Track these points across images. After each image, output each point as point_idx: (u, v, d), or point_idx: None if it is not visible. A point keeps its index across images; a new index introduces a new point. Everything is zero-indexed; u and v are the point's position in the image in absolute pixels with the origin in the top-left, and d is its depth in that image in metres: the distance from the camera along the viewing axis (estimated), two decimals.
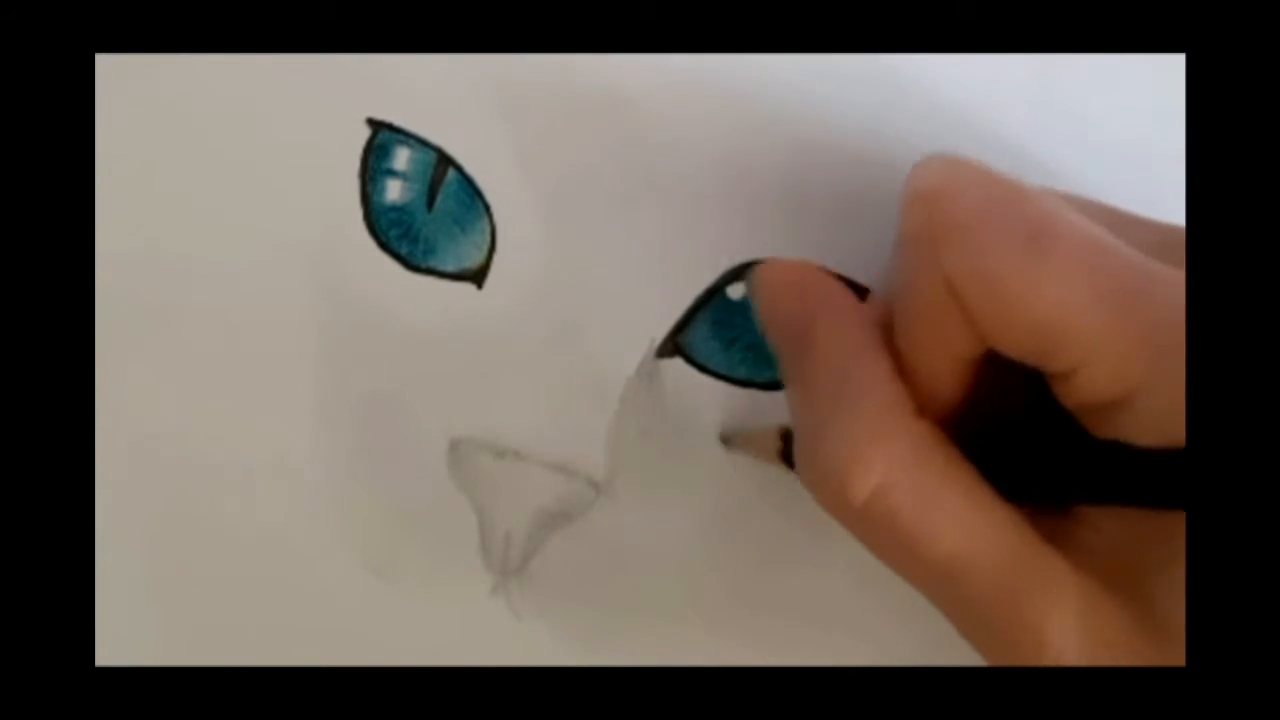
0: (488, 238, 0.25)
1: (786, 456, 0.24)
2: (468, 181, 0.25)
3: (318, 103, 0.25)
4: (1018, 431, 0.21)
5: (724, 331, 0.25)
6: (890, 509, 0.19)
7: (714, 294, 0.25)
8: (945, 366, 0.20)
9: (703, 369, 0.25)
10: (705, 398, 0.25)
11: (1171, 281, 0.18)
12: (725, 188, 0.24)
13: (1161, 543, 0.18)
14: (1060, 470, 0.20)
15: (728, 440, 0.25)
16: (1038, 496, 0.20)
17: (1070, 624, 0.19)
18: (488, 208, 0.25)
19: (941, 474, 0.19)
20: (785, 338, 0.21)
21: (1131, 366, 0.18)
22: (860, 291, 0.24)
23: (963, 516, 0.19)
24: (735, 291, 0.24)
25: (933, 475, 0.19)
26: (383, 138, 0.25)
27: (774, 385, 0.25)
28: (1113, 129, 0.24)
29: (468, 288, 0.25)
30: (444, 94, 0.25)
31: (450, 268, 0.25)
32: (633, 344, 0.25)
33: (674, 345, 0.25)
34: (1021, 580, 0.19)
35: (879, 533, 0.20)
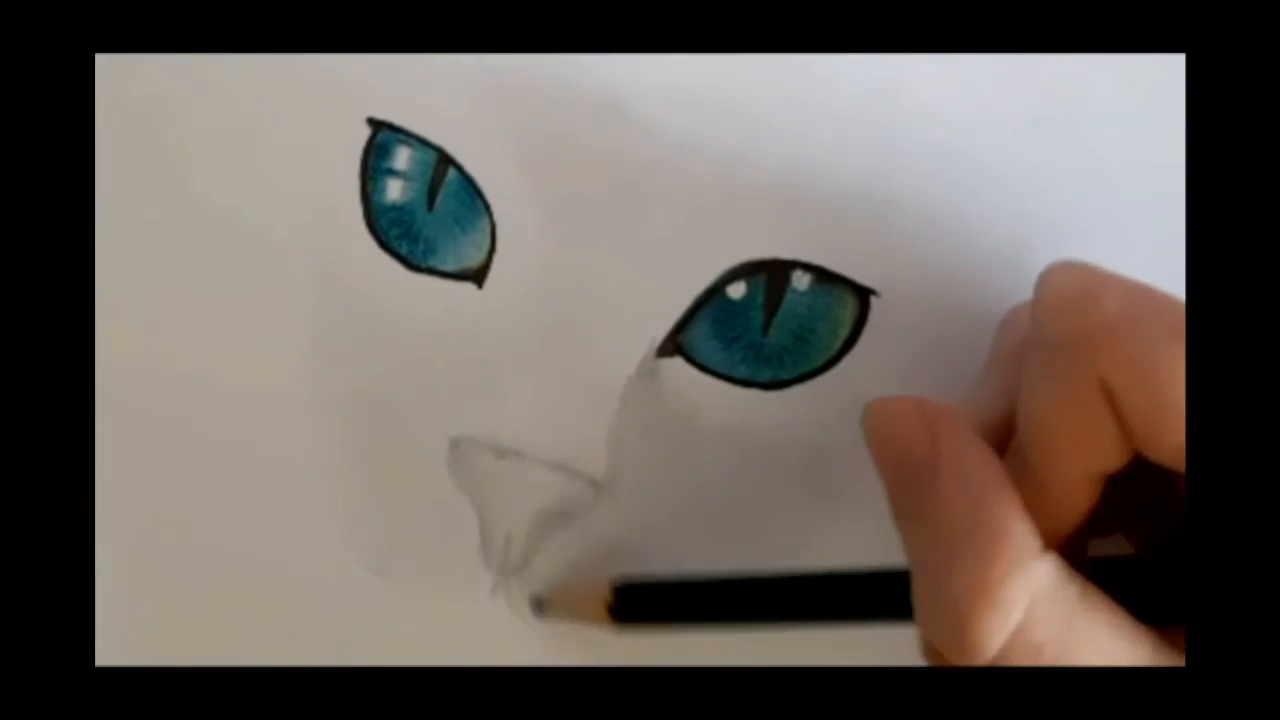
0: (488, 238, 0.25)
1: (617, 612, 0.24)
2: (468, 181, 0.25)
3: (318, 103, 0.25)
4: (1143, 552, 0.21)
5: (724, 331, 0.25)
6: (1033, 647, 0.18)
7: (714, 294, 0.25)
8: (1082, 481, 0.19)
9: (703, 369, 0.25)
10: (705, 398, 0.25)
11: None
12: (725, 188, 0.24)
13: None
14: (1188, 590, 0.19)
15: (541, 605, 0.25)
16: (1163, 618, 0.19)
17: None
18: (488, 207, 0.25)
19: (1079, 605, 0.19)
20: (905, 473, 0.20)
21: None
22: (867, 293, 0.24)
23: (1108, 647, 0.18)
24: (735, 291, 0.24)
25: (1071, 607, 0.18)
26: (383, 137, 0.25)
27: (774, 384, 0.25)
28: (1113, 129, 0.24)
29: (468, 287, 0.25)
30: (444, 94, 0.25)
31: (450, 267, 0.25)
32: (633, 344, 0.25)
33: (674, 345, 0.25)
34: None
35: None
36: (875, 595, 0.22)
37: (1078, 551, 0.20)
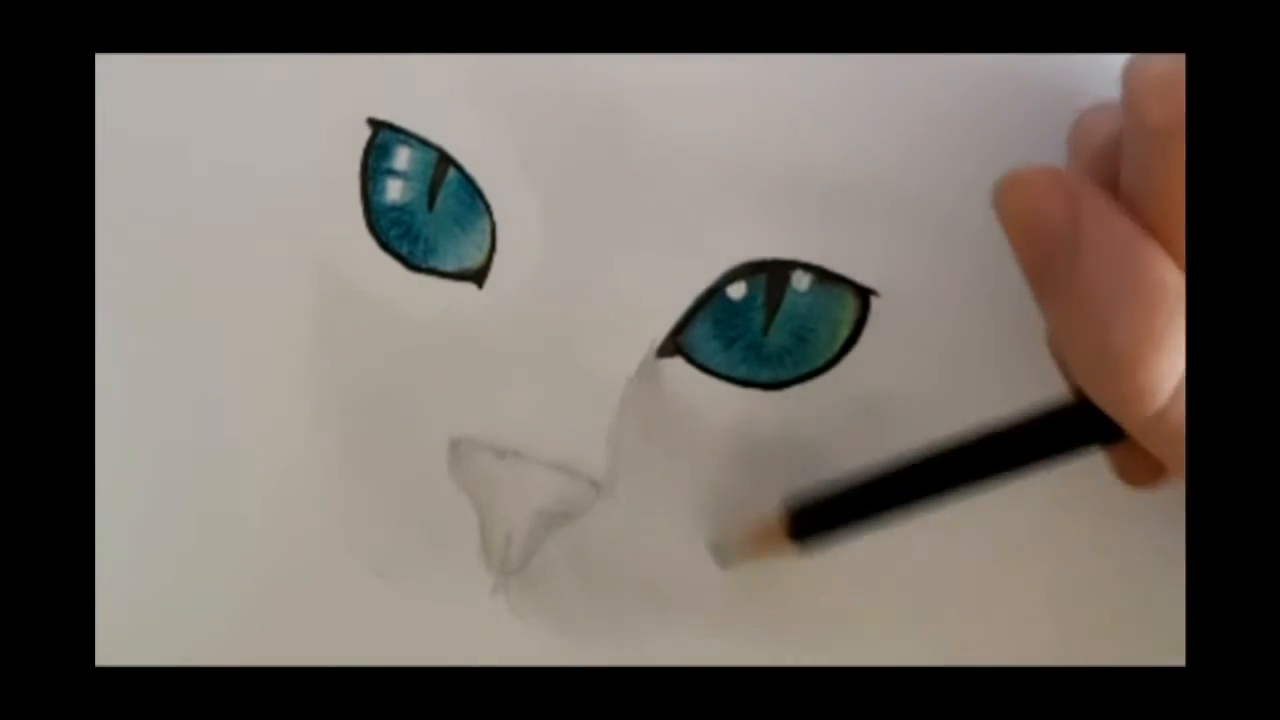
0: (488, 238, 0.25)
1: (797, 533, 0.23)
2: (468, 181, 0.25)
3: (318, 103, 0.25)
4: None
5: (724, 331, 0.25)
6: None
7: (714, 294, 0.25)
8: None
9: (703, 369, 0.25)
10: (705, 398, 0.25)
11: None
12: (725, 188, 0.24)
13: None
14: None
15: (721, 553, 0.25)
16: None
17: None
18: (488, 208, 0.25)
19: None
20: (1050, 242, 0.20)
21: None
22: (867, 293, 0.24)
23: None
24: (735, 291, 0.24)
25: None
26: (383, 137, 0.25)
27: (774, 385, 0.25)
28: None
29: (468, 288, 0.25)
30: (444, 94, 0.25)
31: (450, 268, 0.25)
32: (633, 344, 0.25)
33: (674, 345, 0.25)
34: None
35: (1180, 427, 0.19)
36: (1038, 437, 0.22)
37: None
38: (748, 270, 0.24)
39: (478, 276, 0.25)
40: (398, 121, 0.25)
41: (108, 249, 0.25)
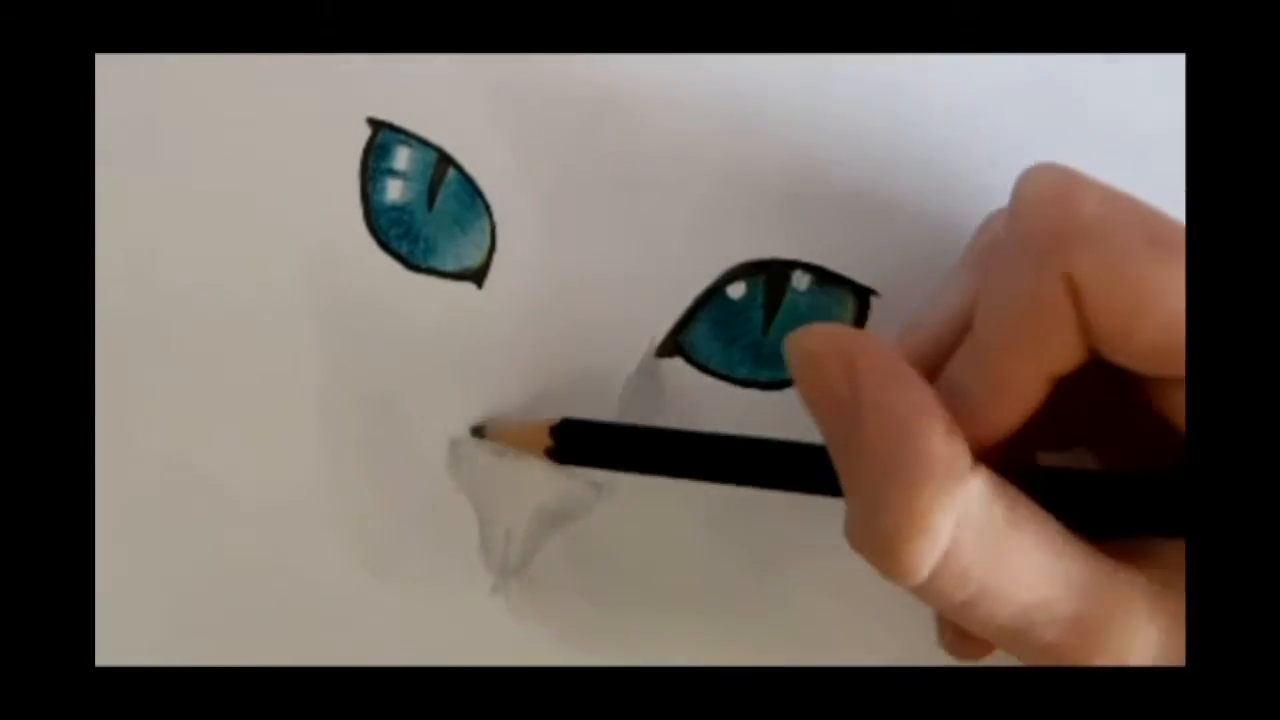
0: (488, 238, 0.25)
1: (555, 454, 0.24)
2: (468, 181, 0.25)
3: (318, 103, 0.25)
4: (1110, 467, 0.21)
5: (724, 331, 0.25)
6: (961, 570, 0.19)
7: (714, 294, 0.25)
8: (1035, 380, 0.19)
9: (703, 369, 0.25)
10: (705, 398, 0.25)
11: None
12: (725, 188, 0.24)
13: None
14: (1131, 500, 0.20)
15: (481, 431, 0.25)
16: (1103, 528, 0.20)
17: (1152, 654, 0.19)
18: (488, 207, 0.25)
19: (1007, 522, 0.19)
20: (830, 410, 0.20)
21: None
22: (867, 293, 0.24)
23: (1034, 563, 0.19)
24: (735, 291, 0.24)
25: (999, 526, 0.19)
26: (383, 137, 0.25)
27: (774, 385, 0.25)
28: (1113, 129, 0.24)
29: (468, 288, 0.25)
30: (444, 94, 0.25)
31: (450, 267, 0.25)
32: (633, 344, 0.25)
33: (674, 345, 0.25)
34: (1099, 618, 0.19)
35: (949, 596, 0.19)
36: (807, 468, 0.21)
37: (1025, 456, 0.20)
38: (748, 270, 0.24)
39: (478, 276, 0.25)
40: (398, 121, 0.25)
41: (107, 249, 0.25)
